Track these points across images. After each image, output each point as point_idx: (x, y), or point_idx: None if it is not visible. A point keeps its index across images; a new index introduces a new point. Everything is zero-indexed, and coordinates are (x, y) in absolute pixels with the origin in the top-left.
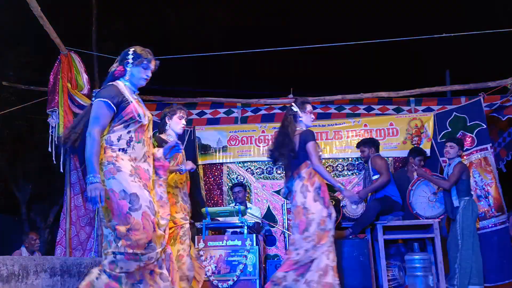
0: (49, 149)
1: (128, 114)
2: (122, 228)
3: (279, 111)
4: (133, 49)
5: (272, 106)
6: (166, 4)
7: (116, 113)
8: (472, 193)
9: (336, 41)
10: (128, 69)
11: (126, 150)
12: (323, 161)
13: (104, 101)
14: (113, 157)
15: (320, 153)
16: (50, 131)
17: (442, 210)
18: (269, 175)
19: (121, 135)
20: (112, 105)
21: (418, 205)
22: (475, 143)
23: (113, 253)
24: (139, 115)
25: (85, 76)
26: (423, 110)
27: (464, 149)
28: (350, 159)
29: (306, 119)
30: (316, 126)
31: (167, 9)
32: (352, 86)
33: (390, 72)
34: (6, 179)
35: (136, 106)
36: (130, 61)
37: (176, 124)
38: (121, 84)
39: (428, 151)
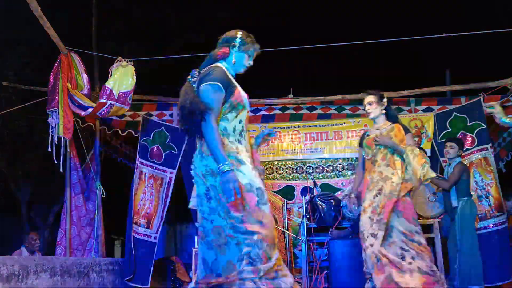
0: (49, 149)
1: (236, 99)
2: (253, 222)
3: (279, 111)
4: (240, 33)
5: (272, 106)
6: (166, 4)
7: (225, 97)
8: (473, 193)
9: (336, 41)
10: (233, 53)
11: (241, 141)
12: (324, 161)
13: (214, 84)
14: (234, 149)
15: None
16: (50, 131)
17: (442, 210)
18: (269, 175)
19: (235, 125)
20: (223, 88)
21: (418, 205)
22: (475, 143)
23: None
24: (245, 101)
25: (85, 76)
26: (423, 110)
27: (465, 149)
28: (350, 159)
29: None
30: (316, 126)
31: (167, 9)
32: (352, 86)
33: (390, 72)
34: (6, 179)
35: (241, 90)
36: (237, 45)
37: None
38: (224, 66)
39: (428, 151)
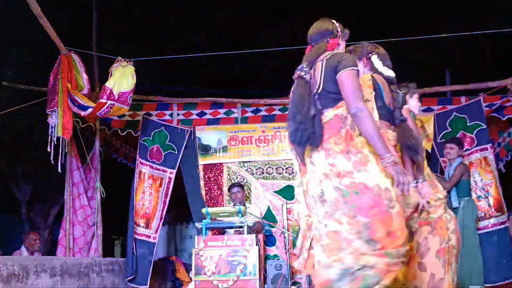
0: (48, 149)
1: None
2: (378, 230)
3: (279, 111)
4: (333, 20)
5: (273, 106)
6: (166, 4)
7: None
8: (472, 193)
9: None
10: (340, 42)
11: None
12: None
13: (355, 69)
14: (361, 143)
15: None
16: (49, 131)
17: None
18: (269, 175)
19: None
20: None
21: None
22: (475, 143)
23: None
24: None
25: (85, 76)
26: (423, 110)
27: (464, 149)
28: None
29: None
30: None
31: (167, 9)
32: None
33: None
34: (6, 179)
35: None
36: (340, 34)
37: (416, 104)
38: None
39: (428, 151)
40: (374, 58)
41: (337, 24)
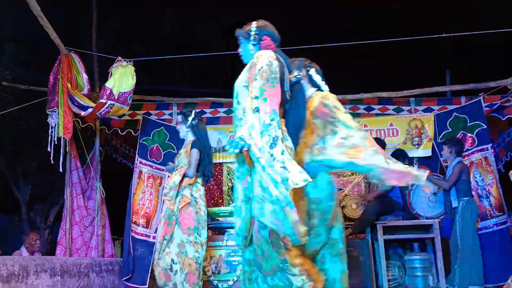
0: (49, 149)
1: None
2: None
3: None
4: None
5: None
6: (166, 4)
7: None
8: (473, 193)
9: (336, 41)
10: None
11: None
12: None
13: None
14: None
15: None
16: (49, 131)
17: (442, 210)
18: None
19: None
20: None
21: (418, 205)
22: (476, 143)
23: None
24: None
25: (85, 76)
26: (423, 110)
27: (465, 149)
28: None
29: None
30: None
31: (167, 9)
32: (352, 86)
33: (390, 72)
34: (6, 179)
35: None
36: None
37: None
38: None
39: (429, 151)
40: (313, 72)
41: None
